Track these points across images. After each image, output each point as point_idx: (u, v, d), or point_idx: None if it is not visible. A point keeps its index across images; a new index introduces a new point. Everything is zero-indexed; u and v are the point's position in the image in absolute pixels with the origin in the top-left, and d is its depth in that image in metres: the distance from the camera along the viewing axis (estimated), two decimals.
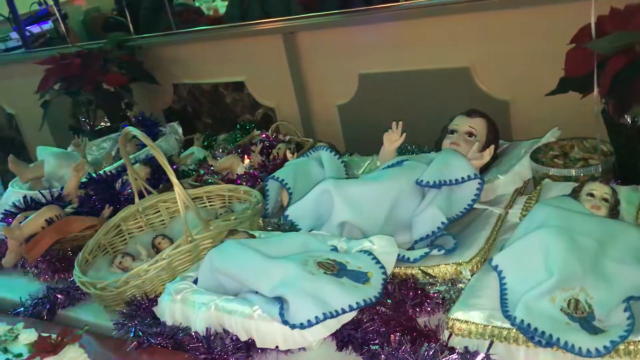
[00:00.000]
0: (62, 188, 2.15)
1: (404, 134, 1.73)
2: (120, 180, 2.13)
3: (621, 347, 1.02)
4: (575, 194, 1.38)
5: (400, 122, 1.73)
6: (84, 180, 2.15)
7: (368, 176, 1.64)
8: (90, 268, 1.67)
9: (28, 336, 1.32)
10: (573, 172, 1.53)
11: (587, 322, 1.09)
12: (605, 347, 1.02)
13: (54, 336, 1.28)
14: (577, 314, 1.10)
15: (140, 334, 1.37)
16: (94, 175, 2.16)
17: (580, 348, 1.03)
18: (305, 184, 1.75)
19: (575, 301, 1.12)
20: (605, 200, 1.34)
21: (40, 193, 2.11)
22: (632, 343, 1.02)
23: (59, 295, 1.67)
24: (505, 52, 1.93)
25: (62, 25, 3.24)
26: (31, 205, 2.07)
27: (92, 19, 3.35)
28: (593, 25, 1.39)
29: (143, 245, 1.76)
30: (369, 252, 1.37)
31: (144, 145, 2.38)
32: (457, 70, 2.04)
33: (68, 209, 2.00)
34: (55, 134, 3.35)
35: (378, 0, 2.12)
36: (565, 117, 1.75)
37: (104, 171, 2.20)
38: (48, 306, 1.64)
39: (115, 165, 2.30)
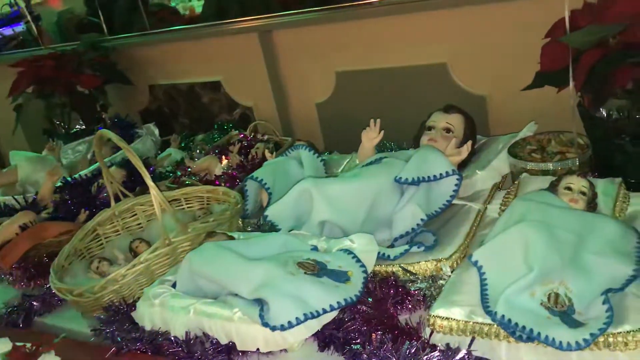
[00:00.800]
0: (36, 193, 2.11)
1: (382, 132, 1.73)
2: (96, 184, 2.09)
3: (601, 339, 1.02)
4: (553, 188, 1.38)
5: (379, 120, 1.73)
6: (59, 184, 2.12)
7: (347, 174, 1.63)
8: (66, 274, 1.64)
9: (2, 346, 1.29)
10: (550, 166, 1.54)
11: (567, 315, 1.09)
12: (585, 340, 1.02)
13: (29, 345, 1.26)
14: (557, 307, 1.10)
15: (119, 339, 1.35)
16: (69, 179, 2.13)
17: (560, 342, 1.03)
18: (284, 184, 1.74)
19: (555, 295, 1.12)
20: (583, 193, 1.34)
21: (14, 199, 2.08)
22: (611, 335, 1.02)
23: (34, 303, 1.64)
24: (482, 47, 1.93)
25: (34, 27, 3.19)
26: (5, 211, 2.04)
27: (65, 20, 3.30)
28: (567, 20, 1.39)
29: (120, 249, 1.74)
30: (349, 251, 1.36)
31: (120, 148, 2.35)
32: (434, 66, 2.04)
33: (43, 214, 1.97)
34: (29, 137, 3.30)
35: None
36: (541, 112, 1.76)
37: (80, 175, 2.17)
38: (24, 314, 1.61)
39: (91, 168, 2.27)
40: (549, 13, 1.51)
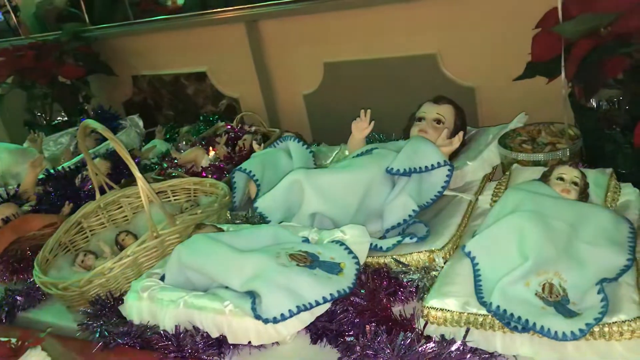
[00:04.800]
0: (18, 185, 2.06)
1: (373, 122, 1.71)
2: (80, 176, 2.05)
3: (596, 329, 1.02)
4: (545, 178, 1.38)
5: (369, 110, 1.71)
6: (41, 176, 2.07)
7: (338, 165, 1.62)
8: (51, 268, 1.61)
9: None
10: (541, 156, 1.53)
11: (561, 305, 1.08)
12: (580, 330, 1.02)
13: (14, 340, 1.22)
14: (552, 297, 1.10)
15: (107, 334, 1.32)
16: (52, 171, 2.08)
17: (556, 332, 1.03)
18: (273, 175, 1.72)
19: (549, 285, 1.11)
20: (575, 183, 1.34)
21: None
22: (606, 325, 1.02)
23: (18, 297, 1.60)
24: (471, 38, 1.92)
25: (13, 17, 3.12)
26: None
27: (45, 11, 3.23)
28: (560, 9, 1.39)
29: (106, 242, 1.71)
30: (341, 243, 1.35)
31: (104, 140, 2.31)
32: (423, 57, 2.03)
33: (25, 207, 1.93)
34: (9, 129, 3.24)
35: None
36: (531, 102, 1.75)
37: (63, 167, 2.12)
38: (7, 309, 1.58)
39: (74, 160, 2.22)
40: (538, 3, 1.51)
